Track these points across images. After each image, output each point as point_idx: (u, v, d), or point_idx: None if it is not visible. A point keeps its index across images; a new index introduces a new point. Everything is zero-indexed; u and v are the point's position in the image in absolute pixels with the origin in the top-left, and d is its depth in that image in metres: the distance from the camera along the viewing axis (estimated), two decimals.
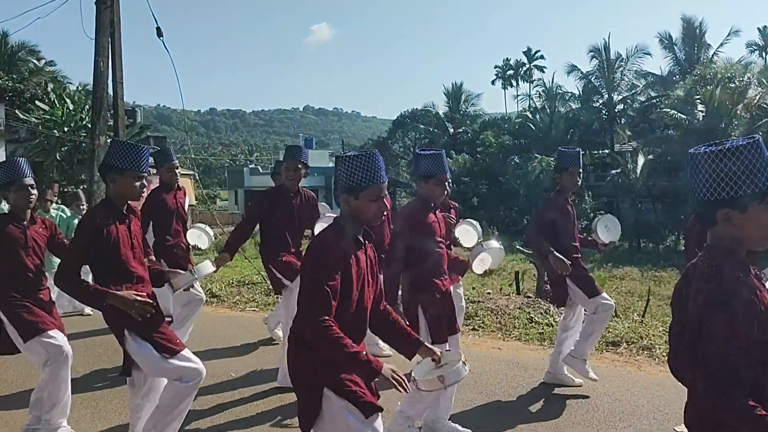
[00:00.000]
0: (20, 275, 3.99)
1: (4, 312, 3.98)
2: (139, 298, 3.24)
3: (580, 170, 5.01)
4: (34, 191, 4.07)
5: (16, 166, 4.00)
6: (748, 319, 1.73)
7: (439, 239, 4.04)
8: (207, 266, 4.01)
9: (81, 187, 23.14)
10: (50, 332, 3.93)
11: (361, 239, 2.68)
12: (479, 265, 4.44)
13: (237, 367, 5.94)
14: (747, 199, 1.77)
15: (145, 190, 3.46)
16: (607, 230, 5.28)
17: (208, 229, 6.23)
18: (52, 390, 3.95)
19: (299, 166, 5.24)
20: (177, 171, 5.96)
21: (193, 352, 5.97)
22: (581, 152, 5.21)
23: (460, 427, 4.13)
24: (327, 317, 2.45)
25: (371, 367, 2.49)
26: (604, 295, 5.05)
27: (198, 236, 6.09)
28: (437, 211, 4.10)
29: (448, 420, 4.18)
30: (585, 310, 5.17)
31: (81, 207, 8.39)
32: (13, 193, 3.98)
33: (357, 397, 2.54)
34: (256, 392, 5.18)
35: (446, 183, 4.01)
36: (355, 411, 2.53)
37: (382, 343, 6.27)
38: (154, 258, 4.66)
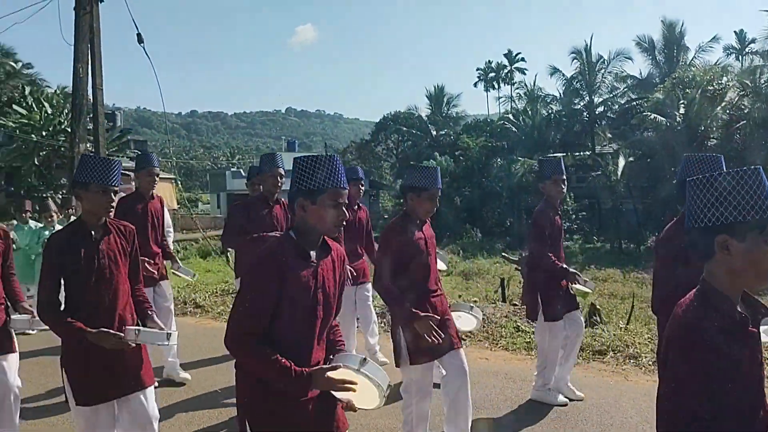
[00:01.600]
0: None
1: None
2: (114, 334, 3.07)
3: (564, 178, 4.96)
4: None
5: None
6: (718, 369, 1.68)
7: (427, 256, 3.95)
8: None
9: (60, 193, 22.89)
10: None
11: (312, 255, 2.43)
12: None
13: (221, 380, 5.84)
14: (747, 227, 1.71)
15: (114, 205, 3.26)
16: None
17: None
18: None
19: (280, 174, 5.26)
20: (156, 178, 5.66)
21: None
22: (562, 159, 5.19)
23: None
24: (252, 334, 2.32)
25: (304, 381, 2.29)
26: (560, 324, 5.01)
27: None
28: (424, 227, 3.99)
29: None
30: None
31: (50, 218, 8.23)
32: None
33: None
34: None
35: (437, 199, 3.91)
36: None
37: (379, 353, 6.27)
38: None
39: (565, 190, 5.02)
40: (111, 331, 3.07)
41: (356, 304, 6.11)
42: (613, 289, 18.93)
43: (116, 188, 3.24)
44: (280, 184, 5.31)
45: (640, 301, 15.48)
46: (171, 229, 6.17)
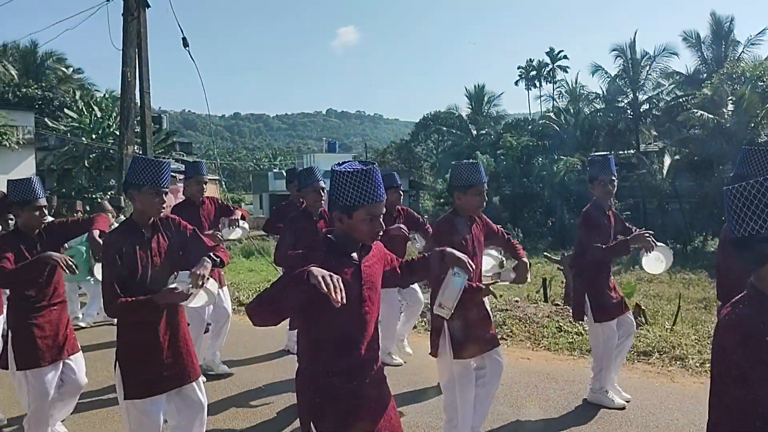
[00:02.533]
0: (35, 293, 3.93)
1: (12, 329, 3.95)
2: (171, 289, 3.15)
3: (612, 178, 4.83)
4: (46, 212, 4.01)
5: (30, 186, 3.93)
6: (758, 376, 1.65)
7: (472, 257, 3.92)
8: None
9: (109, 193, 23.52)
10: (43, 371, 3.89)
11: (355, 256, 2.50)
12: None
13: (265, 377, 5.95)
14: None
15: (165, 205, 3.36)
16: (658, 261, 4.89)
17: (242, 224, 6.09)
18: (30, 426, 3.96)
19: (322, 190, 5.40)
20: (204, 185, 5.83)
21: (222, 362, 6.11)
22: (611, 158, 5.05)
23: None
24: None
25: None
26: (612, 324, 4.89)
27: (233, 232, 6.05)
28: (473, 226, 3.98)
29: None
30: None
31: None
32: (26, 213, 3.91)
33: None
34: (285, 403, 5.18)
35: (484, 193, 3.91)
36: None
37: (395, 355, 6.32)
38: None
39: (613, 191, 4.87)
40: (170, 287, 3.14)
41: (403, 300, 6.28)
42: (659, 290, 18.60)
43: (167, 190, 3.34)
44: (323, 199, 5.42)
45: (686, 302, 15.16)
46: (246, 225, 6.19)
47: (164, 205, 3.35)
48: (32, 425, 3.94)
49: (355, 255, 2.50)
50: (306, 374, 2.51)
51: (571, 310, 7.48)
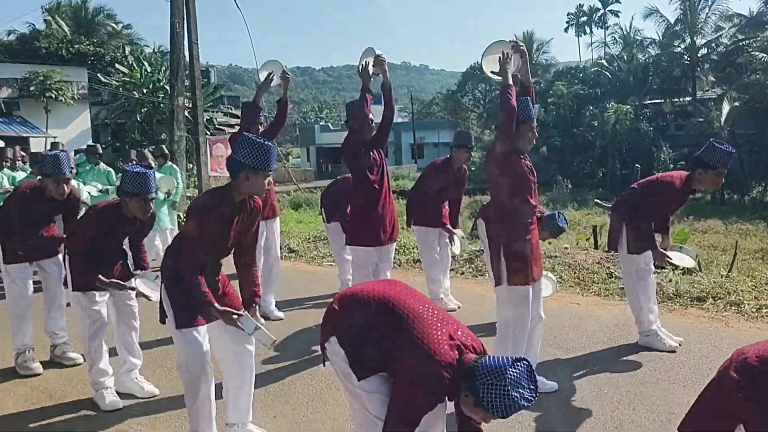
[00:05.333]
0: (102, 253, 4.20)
1: (69, 254, 4.24)
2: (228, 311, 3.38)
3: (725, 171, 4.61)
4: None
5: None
6: None
7: (532, 184, 4.15)
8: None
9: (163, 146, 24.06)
10: (95, 293, 4.19)
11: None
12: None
13: (314, 318, 6.07)
14: None
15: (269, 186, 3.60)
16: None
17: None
18: (88, 352, 4.21)
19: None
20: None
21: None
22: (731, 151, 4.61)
23: (546, 380, 4.14)
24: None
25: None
26: (646, 258, 4.84)
27: None
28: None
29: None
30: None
31: (149, 167, 8.64)
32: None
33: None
34: None
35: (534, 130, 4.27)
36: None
37: (446, 299, 6.35)
38: None
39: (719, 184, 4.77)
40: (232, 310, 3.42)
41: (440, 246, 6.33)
42: (714, 241, 18.12)
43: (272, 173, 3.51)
44: None
45: (743, 252, 14.72)
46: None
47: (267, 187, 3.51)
48: (90, 347, 4.18)
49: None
50: None
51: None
